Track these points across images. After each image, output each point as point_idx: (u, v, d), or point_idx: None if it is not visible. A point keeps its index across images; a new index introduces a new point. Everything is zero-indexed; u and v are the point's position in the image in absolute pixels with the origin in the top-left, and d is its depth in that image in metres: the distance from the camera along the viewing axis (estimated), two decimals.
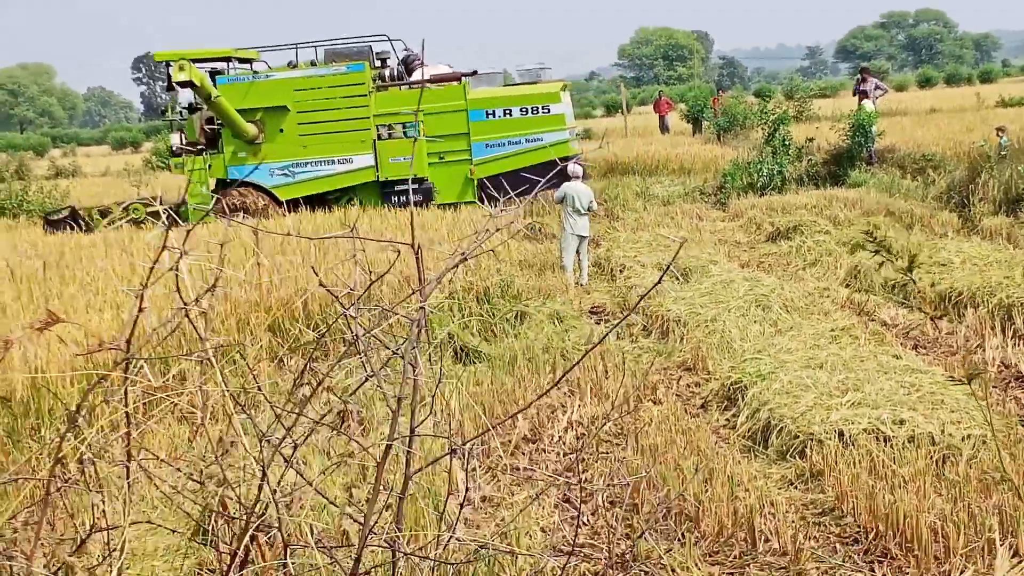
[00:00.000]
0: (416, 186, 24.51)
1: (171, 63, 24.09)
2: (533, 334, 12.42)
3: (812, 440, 8.23)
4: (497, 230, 3.40)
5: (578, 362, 3.97)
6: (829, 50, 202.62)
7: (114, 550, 3.20)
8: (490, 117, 24.84)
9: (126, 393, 3.10)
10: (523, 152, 24.61)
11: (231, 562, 3.22)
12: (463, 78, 25.50)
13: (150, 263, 2.95)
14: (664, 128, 47.06)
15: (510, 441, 9.09)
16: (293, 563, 3.16)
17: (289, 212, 23.72)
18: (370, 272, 3.31)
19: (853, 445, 8.01)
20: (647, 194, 26.96)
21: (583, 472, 8.41)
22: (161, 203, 19.07)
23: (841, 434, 8.21)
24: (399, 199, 24.52)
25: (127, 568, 3.30)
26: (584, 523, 7.35)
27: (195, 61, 24.57)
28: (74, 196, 34.02)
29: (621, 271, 16.78)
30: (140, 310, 3.06)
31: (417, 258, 3.25)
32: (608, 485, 7.83)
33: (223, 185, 24.98)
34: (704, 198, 26.72)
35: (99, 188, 39.81)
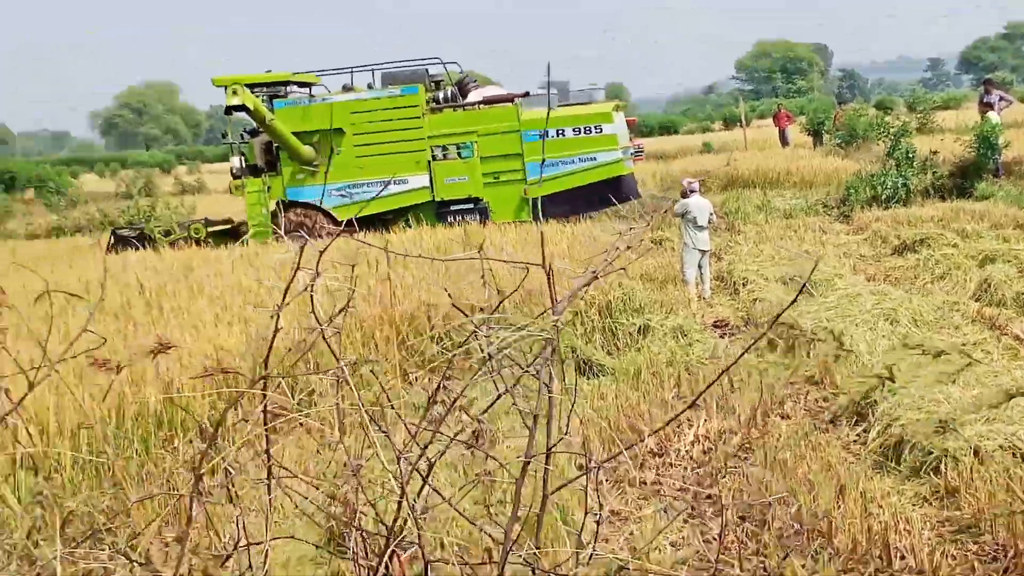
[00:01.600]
0: (471, 206, 24.80)
1: (226, 88, 24.66)
2: (656, 348, 12.35)
3: (946, 456, 8.04)
4: (628, 248, 3.38)
5: (716, 379, 3.91)
6: (951, 62, 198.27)
7: (254, 566, 3.24)
8: (543, 138, 24.90)
9: (264, 410, 3.14)
10: (577, 172, 24.61)
11: None
12: (515, 99, 25.59)
13: (283, 282, 2.99)
14: (784, 141, 46.56)
15: (637, 455, 9.04)
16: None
17: (355, 231, 23.86)
18: (498, 291, 3.31)
19: (989, 461, 7.81)
20: (768, 207, 26.68)
21: (711, 487, 8.34)
22: (229, 223, 19.06)
23: (976, 451, 8.01)
24: (454, 219, 24.74)
25: None
26: (713, 538, 7.28)
27: (254, 86, 25.14)
28: (200, 212, 34.75)
29: (744, 284, 16.61)
30: (276, 330, 3.09)
31: (548, 278, 3.24)
32: (738, 501, 7.74)
33: (283, 206, 25.39)
34: (827, 211, 26.38)
35: (223, 205, 40.66)
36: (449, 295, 3.51)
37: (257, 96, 25.13)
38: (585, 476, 3.50)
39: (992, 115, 28.25)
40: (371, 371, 3.37)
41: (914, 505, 7.66)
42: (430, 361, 12.15)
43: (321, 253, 3.09)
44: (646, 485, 8.53)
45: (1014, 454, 7.91)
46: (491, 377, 3.19)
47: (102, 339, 2.98)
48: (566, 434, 3.46)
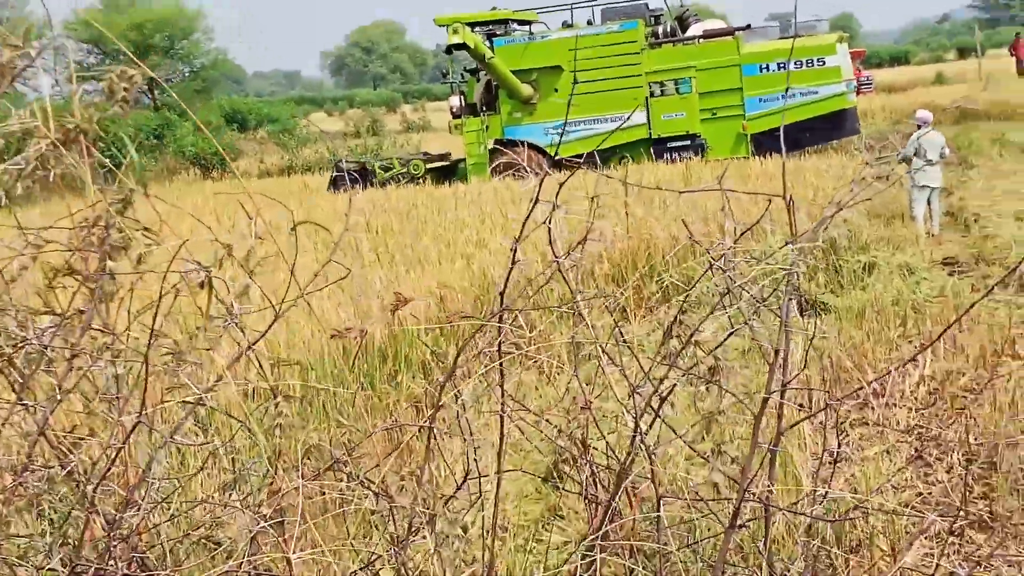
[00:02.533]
0: (688, 142, 24.44)
1: (447, 27, 24.82)
2: (882, 286, 12.07)
3: None
4: (877, 178, 3.32)
5: (952, 324, 3.82)
6: None
7: (486, 498, 3.33)
8: (763, 71, 24.34)
9: (499, 346, 3.20)
10: (798, 106, 23.96)
11: (605, 513, 3.29)
12: (736, 32, 25.04)
13: (521, 216, 3.03)
14: (1022, 70, 44.62)
15: (859, 395, 8.89)
16: (666, 514, 3.20)
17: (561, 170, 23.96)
18: (736, 224, 3.30)
19: None
20: (1003, 141, 25.65)
21: (937, 428, 8.15)
22: (445, 159, 19.31)
23: None
24: (671, 155, 24.39)
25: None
26: (938, 480, 7.13)
27: (473, 24, 25.21)
28: (426, 149, 35.34)
29: (975, 221, 16.06)
30: (513, 263, 3.15)
31: (789, 209, 3.21)
32: (965, 443, 7.55)
33: (500, 144, 25.47)
34: None
35: (447, 142, 41.25)
36: (687, 228, 3.51)
37: (477, 34, 25.35)
38: (822, 413, 3.47)
39: None
40: (606, 306, 3.40)
41: None
42: (648, 298, 12.15)
43: (561, 185, 3.12)
44: (868, 426, 8.39)
45: None
46: (727, 312, 3.18)
47: (347, 269, 3.09)
48: (802, 371, 3.44)
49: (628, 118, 24.00)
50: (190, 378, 2.81)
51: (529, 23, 27.15)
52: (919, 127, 15.89)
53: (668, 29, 26.02)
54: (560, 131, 25.19)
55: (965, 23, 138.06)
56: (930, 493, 6.85)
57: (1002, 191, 18.30)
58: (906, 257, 13.16)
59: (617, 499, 3.29)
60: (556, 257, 3.16)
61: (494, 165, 25.12)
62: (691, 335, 3.19)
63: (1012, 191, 18.35)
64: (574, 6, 26.61)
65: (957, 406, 8.47)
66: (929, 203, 15.97)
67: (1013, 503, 6.52)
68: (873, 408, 8.76)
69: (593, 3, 26.49)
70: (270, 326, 3.06)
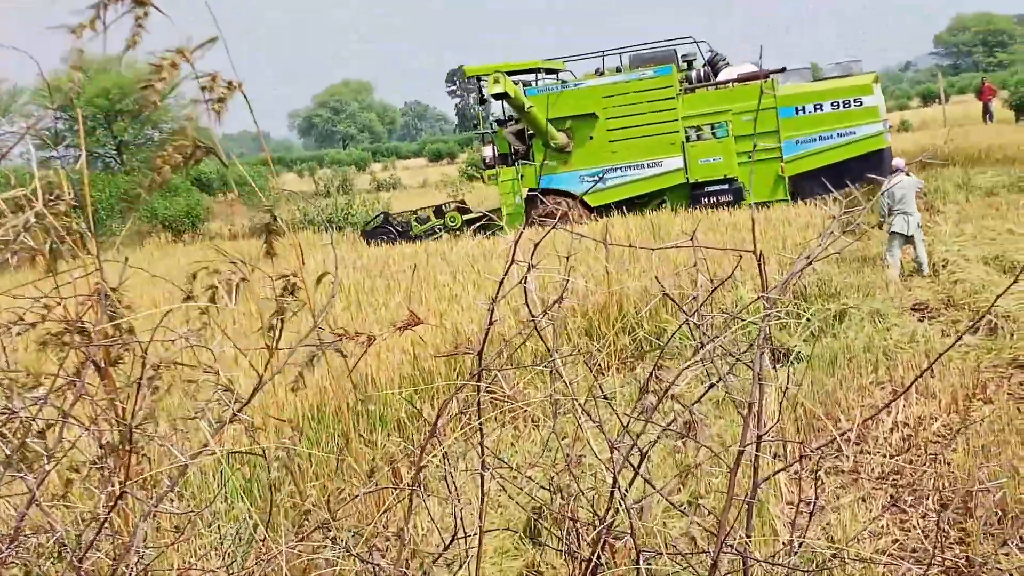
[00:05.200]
0: (726, 186, 24.40)
1: (481, 76, 24.87)
2: (853, 333, 12.17)
3: None
4: (844, 232, 3.38)
5: (927, 369, 3.88)
6: None
7: (469, 556, 3.35)
8: (800, 113, 24.38)
9: (479, 404, 3.24)
10: (836, 147, 24.04)
11: (585, 568, 3.31)
12: (771, 75, 25.16)
13: (494, 272, 3.08)
14: (988, 116, 45.19)
15: (833, 444, 8.94)
16: (646, 568, 3.23)
17: (601, 217, 23.97)
18: (711, 279, 3.35)
19: None
20: (969, 186, 25.92)
21: (911, 475, 8.21)
22: (472, 212, 19.37)
23: None
24: (709, 200, 24.39)
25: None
26: (913, 526, 7.18)
27: (507, 74, 25.16)
28: (395, 208, 35.47)
29: (944, 266, 16.21)
30: (491, 323, 3.19)
31: (760, 264, 3.27)
32: (940, 488, 7.61)
33: (536, 193, 25.43)
34: None
35: (419, 200, 41.34)
36: (660, 284, 3.56)
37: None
38: (796, 464, 3.51)
39: None
40: (584, 362, 3.45)
41: None
42: (621, 351, 12.19)
43: (536, 245, 3.16)
44: (843, 473, 8.44)
45: None
46: (703, 366, 3.23)
47: (320, 342, 3.12)
48: (776, 422, 3.48)
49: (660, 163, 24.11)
50: (174, 446, 2.83)
51: (557, 71, 27.16)
52: (894, 172, 16.07)
53: (702, 74, 26.03)
54: (594, 179, 25.12)
55: (928, 70, 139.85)
56: (906, 540, 6.89)
57: (970, 236, 18.48)
58: (876, 303, 13.27)
59: (598, 554, 3.31)
60: (532, 316, 3.20)
61: (531, 215, 25.03)
62: (666, 390, 3.23)
63: (979, 235, 18.54)
64: (606, 53, 26.64)
65: (931, 452, 8.54)
66: (914, 245, 16.14)
67: (988, 548, 6.57)
68: (848, 456, 8.82)
69: (623, 50, 26.50)
70: (253, 393, 3.09)
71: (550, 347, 3.26)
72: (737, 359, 3.24)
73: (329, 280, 2.97)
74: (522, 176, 25.59)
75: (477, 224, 26.15)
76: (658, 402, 3.22)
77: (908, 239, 16.06)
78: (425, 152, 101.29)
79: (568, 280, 3.33)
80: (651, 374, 3.28)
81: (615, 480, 3.20)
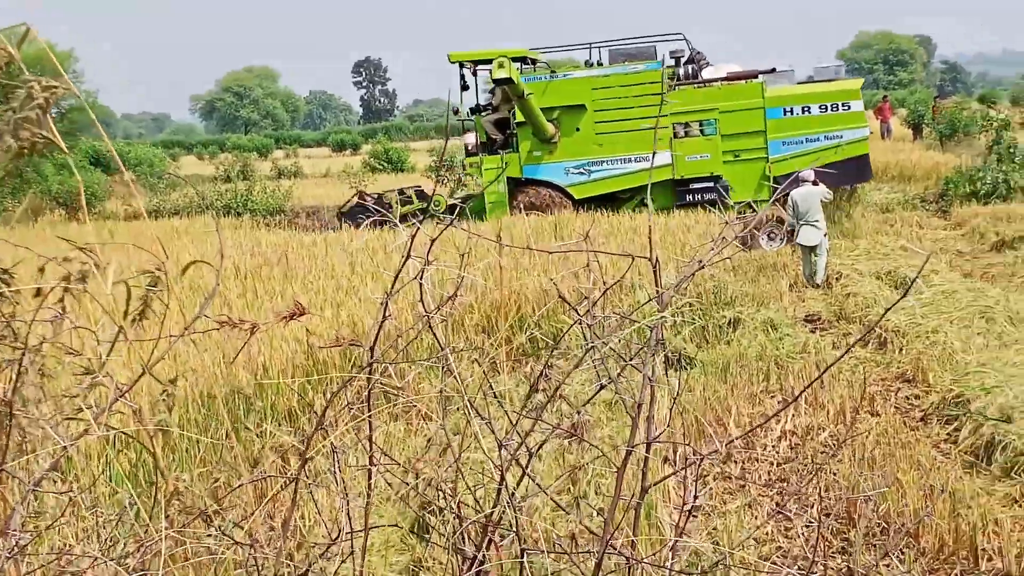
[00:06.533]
0: (712, 184, 24.40)
1: (464, 63, 24.67)
2: (747, 341, 12.31)
3: None
4: (735, 238, 3.40)
5: (817, 379, 3.92)
6: None
7: (352, 552, 3.32)
8: (788, 114, 24.46)
9: (369, 396, 3.20)
10: (822, 150, 24.16)
11: (470, 565, 3.29)
12: (759, 75, 25.28)
13: (392, 272, 3.04)
14: (886, 133, 46.02)
15: (722, 450, 9.05)
16: (530, 564, 3.21)
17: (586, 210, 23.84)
18: (603, 281, 3.35)
19: None
20: (865, 201, 26.42)
21: (798, 483, 8.32)
22: (420, 197, 19.04)
23: None
24: (694, 197, 24.34)
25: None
26: (798, 534, 7.27)
27: (482, 62, 25.02)
28: (296, 196, 35.17)
29: (838, 279, 16.49)
30: (384, 318, 3.15)
31: (655, 270, 3.27)
32: (825, 498, 7.72)
33: (518, 183, 25.22)
34: (925, 206, 26.14)
35: (320, 189, 41.04)
36: (556, 285, 3.55)
37: (478, 72, 25.30)
38: (684, 469, 3.53)
39: None
40: (476, 360, 3.43)
41: (1004, 507, 7.58)
42: (517, 349, 12.21)
43: (433, 241, 3.13)
44: (732, 479, 8.53)
45: None
46: (595, 367, 3.22)
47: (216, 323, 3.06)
48: (667, 426, 3.49)
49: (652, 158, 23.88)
50: (55, 428, 2.76)
51: (533, 62, 26.80)
52: (802, 182, 16.30)
53: (689, 71, 25.90)
54: (581, 170, 24.89)
55: None
56: (790, 547, 6.98)
57: (863, 250, 18.82)
58: (770, 313, 13.45)
59: (483, 552, 3.30)
60: (426, 312, 3.18)
61: (516, 204, 24.72)
62: (556, 389, 3.23)
63: (872, 251, 18.89)
64: (593, 45, 26.36)
65: (817, 461, 8.66)
66: (817, 255, 16.41)
67: (868, 558, 6.68)
68: (736, 462, 8.92)
69: (609, 44, 26.21)
70: (138, 379, 3.02)
71: (442, 344, 3.23)
72: (627, 363, 3.24)
73: (206, 268, 2.91)
74: (507, 164, 25.23)
75: (456, 210, 25.55)
76: (547, 402, 3.21)
77: (812, 249, 16.32)
78: (329, 142, 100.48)
79: (463, 277, 3.31)
80: (541, 373, 3.27)
81: (503, 478, 3.19)
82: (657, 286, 3.26)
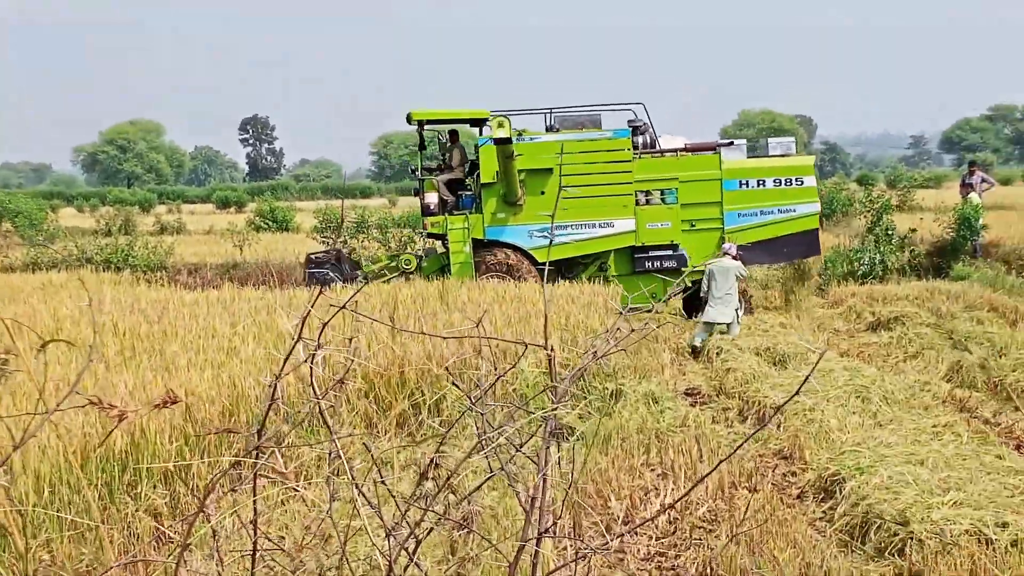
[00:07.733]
0: (670, 252, 24.57)
1: (424, 121, 24.67)
2: (628, 413, 12.37)
3: (912, 539, 8.08)
4: (632, 331, 3.42)
5: (712, 471, 3.95)
6: (934, 140, 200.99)
7: None
8: (743, 187, 24.80)
9: (255, 480, 3.15)
10: (775, 223, 24.51)
11: None
12: (718, 147, 25.61)
13: (275, 327, 3.00)
14: None
15: (600, 523, 9.06)
16: None
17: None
18: (495, 366, 3.35)
19: (955, 546, 7.86)
20: (747, 278, 26.85)
21: (675, 558, 8.36)
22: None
23: (942, 534, 8.05)
24: (653, 264, 24.46)
25: None
26: None
27: (447, 121, 25.02)
28: (178, 253, 34.71)
29: (718, 354, 16.70)
30: (272, 400, 3.11)
31: (550, 360, 3.28)
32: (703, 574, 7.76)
33: (480, 245, 25.07)
34: (803, 284, 26.62)
35: (203, 246, 40.57)
36: (448, 371, 3.54)
37: (436, 132, 25.16)
38: (574, 563, 3.52)
39: (974, 196, 28.81)
40: (364, 444, 3.38)
41: None
42: (399, 416, 12.13)
43: (324, 324, 3.10)
44: (611, 552, 8.53)
45: (979, 539, 7.96)
46: (485, 457, 3.21)
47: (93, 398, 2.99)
48: (560, 517, 3.47)
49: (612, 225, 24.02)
50: None
51: (483, 123, 26.61)
52: (723, 255, 16.60)
53: (648, 141, 25.97)
54: (544, 234, 24.65)
55: None
56: None
57: (744, 327, 19.09)
58: (651, 386, 13.54)
59: None
60: (316, 397, 3.14)
61: (480, 267, 24.46)
62: (447, 480, 3.21)
63: (753, 327, 19.19)
64: (554, 111, 26.20)
65: (695, 536, 8.71)
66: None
67: None
68: (616, 536, 8.93)
69: (561, 109, 26.17)
70: (16, 448, 2.94)
71: (332, 429, 3.19)
72: (518, 450, 3.23)
73: (84, 323, 2.86)
74: (471, 226, 25.05)
75: (409, 271, 25.45)
76: (437, 492, 3.19)
77: (715, 326, 16.60)
78: (213, 198, 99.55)
79: (352, 361, 3.28)
80: (431, 461, 3.25)
81: (391, 568, 3.15)
82: (552, 380, 3.27)
